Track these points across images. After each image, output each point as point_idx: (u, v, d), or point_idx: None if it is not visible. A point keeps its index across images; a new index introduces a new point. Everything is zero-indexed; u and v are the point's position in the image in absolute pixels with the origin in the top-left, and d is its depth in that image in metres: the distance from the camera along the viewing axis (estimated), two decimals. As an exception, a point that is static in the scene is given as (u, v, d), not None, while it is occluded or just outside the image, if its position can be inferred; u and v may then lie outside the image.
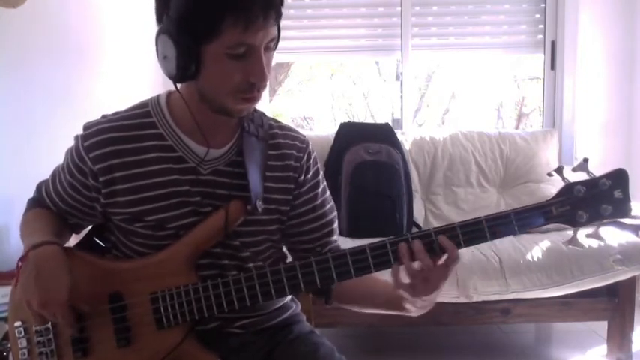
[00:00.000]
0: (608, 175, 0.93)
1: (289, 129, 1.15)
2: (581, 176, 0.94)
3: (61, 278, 0.96)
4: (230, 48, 0.91)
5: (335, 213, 1.18)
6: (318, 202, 1.15)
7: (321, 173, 1.17)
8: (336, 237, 1.18)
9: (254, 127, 1.09)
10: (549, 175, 0.99)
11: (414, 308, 1.03)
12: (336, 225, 1.18)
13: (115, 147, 1.02)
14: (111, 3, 2.64)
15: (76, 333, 1.01)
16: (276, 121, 1.15)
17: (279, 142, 1.11)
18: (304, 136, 1.15)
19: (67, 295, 0.95)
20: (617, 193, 0.92)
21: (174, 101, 1.05)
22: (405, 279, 0.96)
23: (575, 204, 0.93)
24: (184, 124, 1.04)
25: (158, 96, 1.08)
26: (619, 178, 0.93)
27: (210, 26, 0.89)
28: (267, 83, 0.99)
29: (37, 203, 1.15)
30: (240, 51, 0.91)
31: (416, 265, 0.94)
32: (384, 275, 1.02)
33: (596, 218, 0.93)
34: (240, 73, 0.93)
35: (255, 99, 0.98)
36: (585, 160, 0.94)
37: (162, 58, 0.95)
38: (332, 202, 1.18)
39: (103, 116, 1.07)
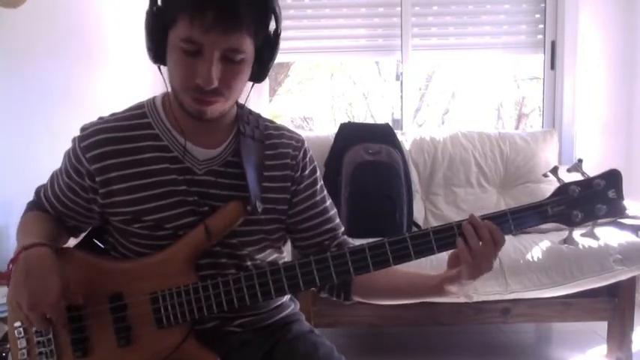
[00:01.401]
0: (602, 176, 0.95)
1: (285, 129, 1.16)
2: (576, 176, 0.96)
3: (50, 280, 0.95)
4: (182, 41, 0.92)
5: (335, 210, 1.19)
6: (318, 198, 1.15)
7: (318, 172, 1.18)
8: (342, 231, 1.19)
9: (250, 128, 1.09)
10: (545, 175, 1.01)
11: (457, 290, 1.01)
12: (339, 220, 1.19)
13: (111, 147, 1.03)
14: (111, 3, 2.64)
15: (73, 335, 1.01)
16: (272, 122, 1.16)
17: (275, 142, 1.12)
18: (300, 135, 1.16)
19: (56, 297, 0.94)
20: (611, 193, 0.94)
21: (169, 102, 1.06)
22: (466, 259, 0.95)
23: (570, 204, 0.95)
24: (178, 124, 1.05)
25: (154, 97, 1.10)
26: (613, 178, 0.94)
27: (168, 15, 0.93)
28: (231, 93, 0.98)
29: (35, 206, 1.15)
30: (191, 47, 0.92)
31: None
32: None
33: (591, 217, 0.95)
34: (188, 71, 0.94)
35: (207, 104, 0.97)
36: (580, 161, 0.96)
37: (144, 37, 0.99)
38: (331, 200, 1.19)
39: (100, 118, 1.08)
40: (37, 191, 1.16)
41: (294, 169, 1.12)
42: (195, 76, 0.94)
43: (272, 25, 0.98)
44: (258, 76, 1.02)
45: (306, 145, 1.16)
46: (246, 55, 0.95)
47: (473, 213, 0.97)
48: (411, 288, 1.10)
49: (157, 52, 0.98)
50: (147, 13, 0.97)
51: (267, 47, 0.99)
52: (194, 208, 1.04)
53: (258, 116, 1.14)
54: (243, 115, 1.10)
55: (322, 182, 1.18)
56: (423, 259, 0.99)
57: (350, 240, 1.18)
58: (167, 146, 1.05)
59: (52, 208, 1.12)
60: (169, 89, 1.03)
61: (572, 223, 0.95)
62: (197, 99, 0.96)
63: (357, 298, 1.15)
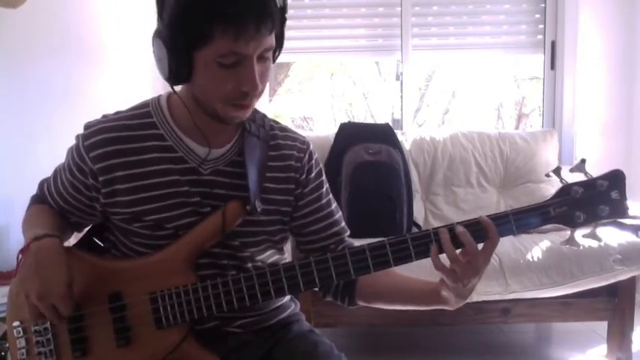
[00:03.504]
0: (605, 176, 0.94)
1: (290, 130, 1.15)
2: (579, 177, 0.95)
3: (61, 271, 0.96)
4: (221, 57, 0.90)
5: (340, 213, 1.19)
6: (324, 201, 1.15)
7: (324, 175, 1.17)
8: (348, 234, 1.18)
9: (255, 127, 1.09)
10: (547, 175, 1.00)
11: (454, 298, 1.00)
12: (344, 224, 1.18)
13: (115, 147, 1.02)
14: (111, 3, 2.64)
15: (72, 334, 1.01)
16: (277, 123, 1.15)
17: (280, 142, 1.11)
18: (305, 138, 1.15)
19: (66, 288, 0.95)
20: (614, 194, 0.93)
21: (174, 102, 1.05)
22: (446, 264, 0.95)
23: (572, 205, 0.94)
24: (184, 125, 1.04)
25: (159, 96, 1.09)
26: (616, 178, 0.94)
27: (200, 34, 0.89)
28: (263, 91, 0.97)
29: (39, 200, 1.15)
30: (231, 60, 0.91)
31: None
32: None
33: (593, 219, 0.94)
34: (231, 82, 0.93)
35: (248, 107, 0.98)
36: (583, 161, 0.95)
37: (157, 60, 0.96)
38: (336, 203, 1.19)
39: (104, 116, 1.07)
40: (41, 185, 1.16)
41: (298, 171, 1.11)
42: (239, 85, 0.93)
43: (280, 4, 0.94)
44: (273, 59, 1.01)
45: (311, 147, 1.15)
46: (273, 48, 0.96)
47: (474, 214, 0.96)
48: (414, 293, 1.09)
49: (182, 74, 0.94)
50: (164, 37, 0.92)
51: (281, 29, 0.98)
52: (196, 209, 1.04)
53: (263, 115, 1.14)
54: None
55: (327, 185, 1.17)
56: (426, 263, 0.98)
57: (354, 243, 1.17)
58: (172, 146, 1.04)
59: (54, 204, 1.11)
60: (176, 92, 1.02)
61: (574, 225, 0.95)
62: (240, 105, 0.96)
63: (361, 303, 1.14)
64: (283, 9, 0.95)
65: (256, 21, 0.88)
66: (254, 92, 0.94)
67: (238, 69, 0.92)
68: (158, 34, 0.93)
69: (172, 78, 0.96)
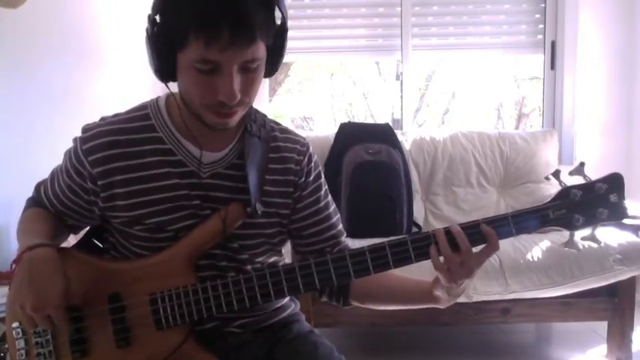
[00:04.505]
0: (604, 179, 0.94)
1: (290, 132, 1.14)
2: (578, 180, 0.96)
3: (54, 281, 0.95)
4: (197, 62, 0.88)
5: (338, 215, 1.18)
6: (322, 204, 1.14)
7: (323, 177, 1.16)
8: (344, 237, 1.18)
9: (256, 127, 1.08)
10: (547, 178, 1.00)
11: (446, 297, 1.01)
12: (341, 226, 1.18)
13: (114, 150, 1.02)
14: (111, 3, 2.64)
15: (71, 335, 1.01)
16: (278, 124, 1.14)
17: (280, 145, 1.10)
18: (305, 140, 1.14)
19: (60, 299, 0.94)
20: (612, 197, 0.93)
21: (172, 104, 1.05)
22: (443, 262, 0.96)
23: (571, 207, 0.95)
24: (183, 128, 1.04)
25: (157, 98, 1.08)
26: (615, 182, 0.94)
27: (177, 36, 0.88)
28: (250, 102, 0.97)
29: (35, 203, 1.14)
30: (207, 67, 0.89)
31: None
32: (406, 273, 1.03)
33: (592, 222, 0.95)
34: (209, 89, 0.91)
35: (230, 115, 0.96)
36: (582, 164, 0.96)
37: (148, 56, 0.96)
38: (334, 205, 1.18)
39: (102, 118, 1.06)
40: (37, 187, 1.15)
41: (297, 174, 1.11)
42: (216, 93, 0.91)
43: (278, 17, 0.94)
44: (270, 71, 1.00)
45: (311, 149, 1.14)
46: (261, 60, 0.93)
47: (475, 216, 0.97)
48: (406, 293, 1.10)
49: (166, 72, 0.94)
50: (149, 35, 0.91)
51: (278, 42, 0.96)
52: (195, 212, 1.03)
53: (264, 116, 1.13)
54: (251, 113, 1.08)
55: (327, 187, 1.17)
56: (425, 263, 0.98)
57: (350, 245, 1.16)
58: (171, 150, 1.03)
59: (51, 206, 1.11)
60: (174, 94, 1.02)
61: (573, 227, 0.95)
62: (220, 113, 0.94)
63: (355, 303, 1.14)
64: (283, 22, 0.94)
65: (231, 30, 0.85)
66: (231, 103, 0.92)
67: (216, 77, 0.90)
68: (146, 30, 0.93)
69: (159, 76, 0.95)
